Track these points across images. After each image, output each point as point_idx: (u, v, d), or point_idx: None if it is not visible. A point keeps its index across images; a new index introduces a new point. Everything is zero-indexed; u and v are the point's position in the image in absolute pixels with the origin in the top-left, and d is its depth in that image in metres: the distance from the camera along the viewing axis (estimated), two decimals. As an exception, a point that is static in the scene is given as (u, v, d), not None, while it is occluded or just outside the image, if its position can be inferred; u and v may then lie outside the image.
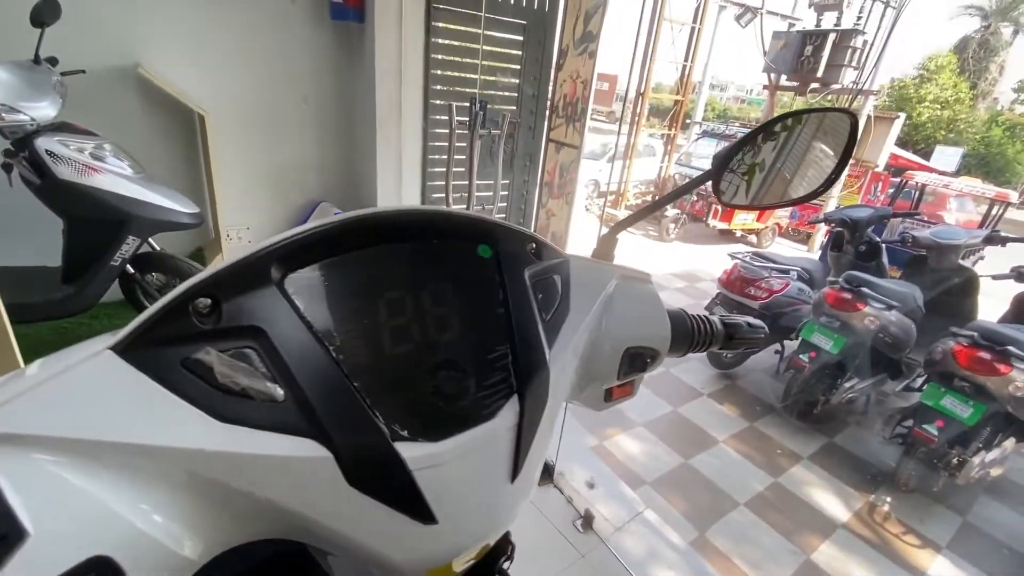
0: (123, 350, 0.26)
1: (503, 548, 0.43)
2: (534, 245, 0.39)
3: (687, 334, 0.50)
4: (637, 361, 0.45)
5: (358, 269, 0.30)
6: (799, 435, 2.92)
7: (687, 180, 0.66)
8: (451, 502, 0.28)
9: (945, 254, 3.14)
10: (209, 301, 0.27)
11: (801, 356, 2.83)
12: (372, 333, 0.29)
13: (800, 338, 2.89)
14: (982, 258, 3.90)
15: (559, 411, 0.39)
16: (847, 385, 2.81)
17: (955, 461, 2.38)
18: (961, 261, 3.23)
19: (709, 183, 0.50)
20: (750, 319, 0.56)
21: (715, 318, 0.54)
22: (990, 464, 2.44)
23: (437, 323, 0.31)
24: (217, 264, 0.29)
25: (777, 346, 3.41)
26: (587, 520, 1.89)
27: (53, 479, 0.23)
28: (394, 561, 0.28)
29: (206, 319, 0.27)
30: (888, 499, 2.48)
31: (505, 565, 0.44)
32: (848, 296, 2.73)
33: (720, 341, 0.53)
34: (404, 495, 0.27)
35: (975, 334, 2.36)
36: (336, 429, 0.26)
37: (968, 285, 3.12)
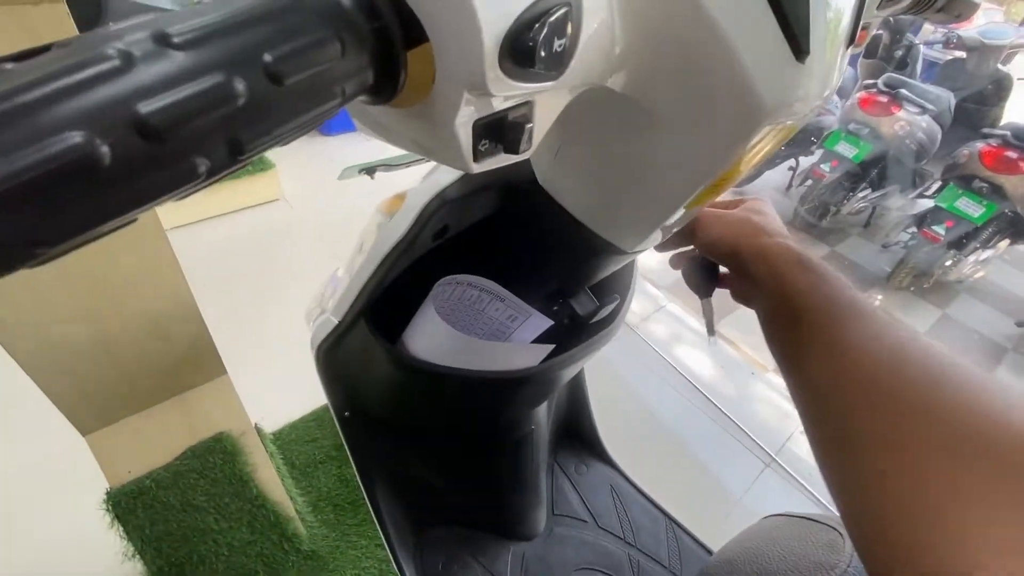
0: None
1: None
2: None
3: None
4: None
5: None
6: (804, 245, 3.02)
7: None
8: (818, 45, 0.27)
9: (986, 57, 2.95)
10: None
11: (822, 166, 2.79)
12: None
13: (823, 148, 2.82)
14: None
15: None
16: (860, 195, 2.84)
17: (951, 261, 2.54)
18: (999, 66, 3.06)
19: None
20: None
21: None
22: (982, 263, 2.62)
23: None
24: None
25: (792, 162, 3.36)
26: (617, 310, 2.01)
27: None
28: (754, 82, 0.26)
29: None
30: (879, 296, 2.69)
31: None
32: (884, 99, 2.60)
33: None
34: (796, 6, 0.25)
35: (1008, 133, 2.34)
36: None
37: (1001, 91, 3.01)
